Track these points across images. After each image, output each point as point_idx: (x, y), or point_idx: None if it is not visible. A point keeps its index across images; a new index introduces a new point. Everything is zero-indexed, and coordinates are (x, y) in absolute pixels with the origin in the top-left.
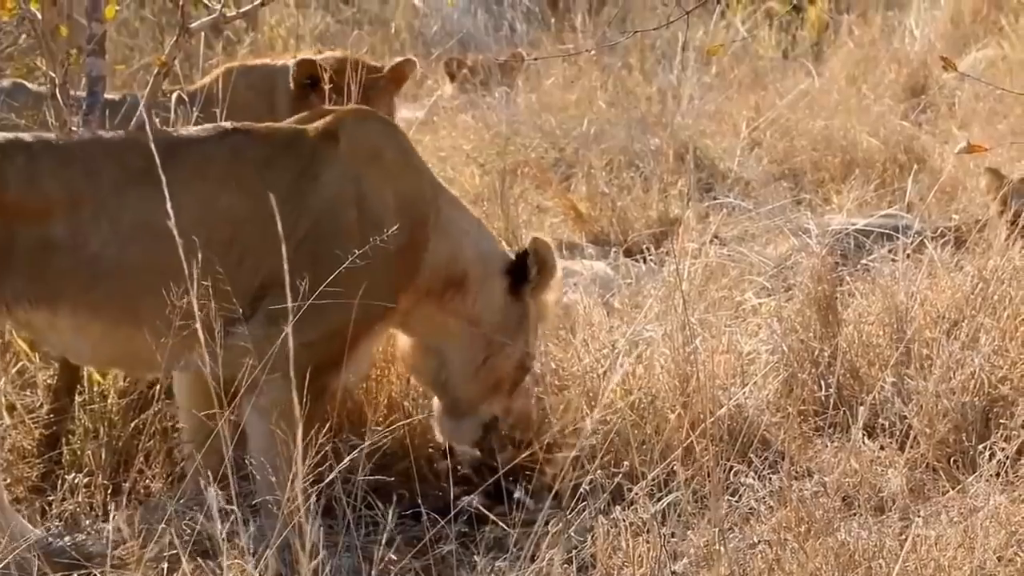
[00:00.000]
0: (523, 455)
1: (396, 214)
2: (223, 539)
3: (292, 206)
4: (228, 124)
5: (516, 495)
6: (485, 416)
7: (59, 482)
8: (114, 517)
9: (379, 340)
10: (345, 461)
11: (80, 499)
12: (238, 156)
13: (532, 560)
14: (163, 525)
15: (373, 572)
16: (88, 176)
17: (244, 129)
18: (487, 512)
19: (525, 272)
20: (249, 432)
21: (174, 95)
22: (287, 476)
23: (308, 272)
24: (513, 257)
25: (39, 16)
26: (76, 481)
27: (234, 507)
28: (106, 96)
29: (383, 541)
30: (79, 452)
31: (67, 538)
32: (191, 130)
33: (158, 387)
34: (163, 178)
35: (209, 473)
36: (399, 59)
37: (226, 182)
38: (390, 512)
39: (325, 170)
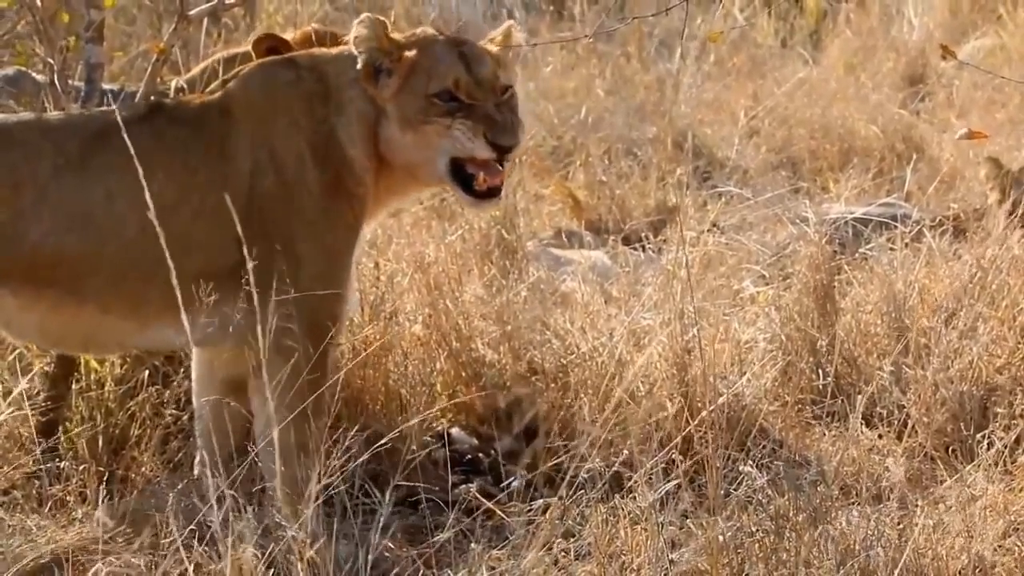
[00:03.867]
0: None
1: (314, 158)
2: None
3: (218, 189)
4: (153, 101)
5: (514, 484)
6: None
7: (55, 469)
8: (116, 505)
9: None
10: (364, 452)
11: (74, 486)
12: (161, 140)
13: (530, 548)
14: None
15: (370, 560)
16: (27, 160)
17: (166, 108)
18: (485, 501)
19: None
20: (256, 415)
21: (173, 83)
22: (296, 460)
23: (262, 248)
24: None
25: (39, 3)
26: (71, 469)
27: (234, 493)
28: (104, 87)
29: (380, 529)
30: (75, 440)
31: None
32: (122, 111)
33: (147, 373)
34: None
35: (206, 457)
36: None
37: (153, 168)
38: (387, 500)
39: (233, 147)
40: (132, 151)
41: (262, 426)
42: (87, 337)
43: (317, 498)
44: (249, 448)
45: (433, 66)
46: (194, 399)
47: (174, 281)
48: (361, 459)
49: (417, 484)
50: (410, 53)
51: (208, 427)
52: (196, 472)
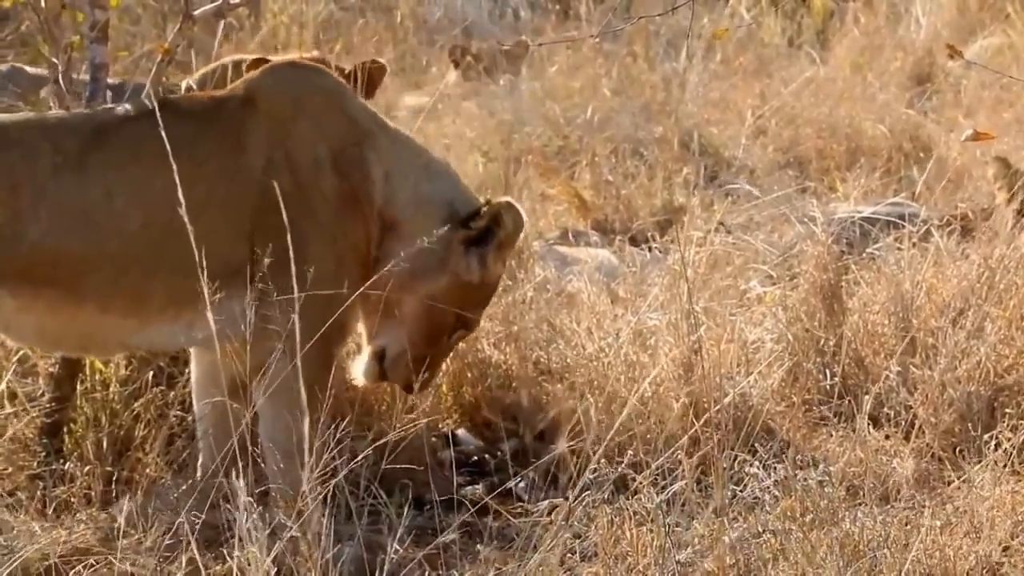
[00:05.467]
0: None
1: (332, 166)
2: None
3: (227, 183)
4: (155, 99)
5: (520, 485)
6: (378, 347)
7: (60, 471)
8: (125, 507)
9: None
10: (360, 456)
11: (78, 488)
12: (167, 134)
13: (535, 550)
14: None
15: (376, 561)
16: (25, 160)
17: (171, 104)
18: (491, 502)
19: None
20: (260, 417)
21: (183, 83)
22: (299, 461)
23: (270, 246)
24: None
25: (43, 3)
26: (75, 470)
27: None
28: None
29: (387, 531)
30: (80, 441)
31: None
32: (121, 109)
33: (151, 375)
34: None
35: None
36: (366, 61)
37: (158, 164)
38: (401, 503)
39: (249, 139)
40: (172, 145)
41: (265, 426)
42: (86, 337)
43: (324, 499)
44: (251, 449)
45: (484, 305)
46: (194, 400)
47: (202, 277)
48: (369, 461)
49: (423, 485)
50: (501, 277)
51: (209, 428)
52: (199, 474)
